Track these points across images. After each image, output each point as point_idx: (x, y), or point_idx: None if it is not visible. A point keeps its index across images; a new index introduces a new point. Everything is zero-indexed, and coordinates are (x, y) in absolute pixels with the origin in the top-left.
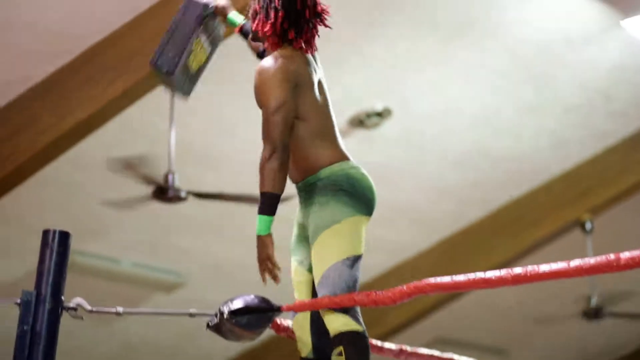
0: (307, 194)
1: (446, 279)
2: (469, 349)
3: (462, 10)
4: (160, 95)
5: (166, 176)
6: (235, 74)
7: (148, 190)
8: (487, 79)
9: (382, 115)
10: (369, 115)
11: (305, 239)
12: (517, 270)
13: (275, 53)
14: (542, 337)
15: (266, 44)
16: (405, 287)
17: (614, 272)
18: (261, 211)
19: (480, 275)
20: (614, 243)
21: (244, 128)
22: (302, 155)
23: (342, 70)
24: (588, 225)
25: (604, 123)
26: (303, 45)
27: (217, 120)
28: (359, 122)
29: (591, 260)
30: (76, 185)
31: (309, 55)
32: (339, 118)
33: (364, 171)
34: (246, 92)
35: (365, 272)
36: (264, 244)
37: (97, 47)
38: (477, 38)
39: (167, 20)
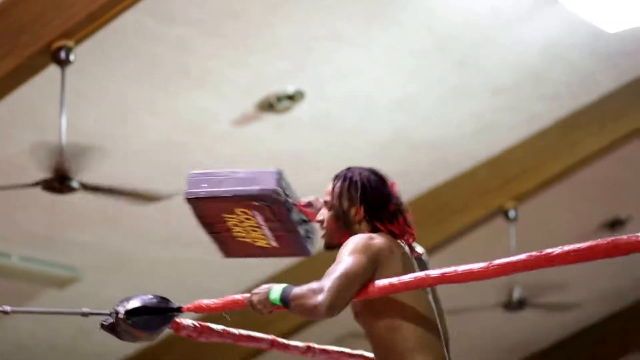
0: None
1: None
2: None
3: None
4: (51, 77)
5: (57, 165)
6: (133, 54)
7: (38, 179)
8: (409, 60)
9: (293, 98)
10: (279, 98)
11: None
12: (434, 273)
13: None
14: (456, 328)
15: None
16: None
17: (535, 269)
18: (284, 298)
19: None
20: (539, 232)
21: (141, 114)
22: None
23: (250, 50)
24: (512, 214)
25: (534, 106)
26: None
27: (112, 106)
28: (269, 105)
29: (513, 259)
30: None
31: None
32: (246, 101)
33: None
34: (145, 76)
35: (277, 264)
36: (267, 306)
37: None
38: (399, 17)
39: None
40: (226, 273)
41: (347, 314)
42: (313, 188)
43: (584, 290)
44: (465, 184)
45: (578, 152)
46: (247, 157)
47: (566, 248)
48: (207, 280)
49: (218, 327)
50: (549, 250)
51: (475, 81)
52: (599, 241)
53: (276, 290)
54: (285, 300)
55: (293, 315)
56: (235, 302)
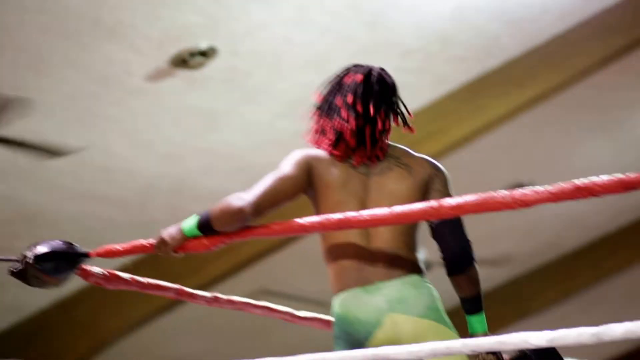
0: None
1: (261, 225)
2: (292, 300)
3: None
4: None
5: None
6: (47, 5)
7: None
8: (319, 19)
9: (206, 54)
10: (192, 54)
11: None
12: (340, 215)
13: None
14: None
15: None
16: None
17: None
18: (201, 221)
19: (298, 221)
20: None
21: (55, 66)
22: None
23: (163, 3)
24: None
25: (441, 69)
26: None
27: (26, 57)
28: (182, 61)
29: (415, 207)
30: None
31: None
32: (160, 56)
33: (351, 298)
34: (59, 27)
35: None
36: (178, 239)
37: None
38: None
39: None
40: (135, 231)
41: (256, 272)
42: (225, 143)
43: (485, 252)
44: None
45: (483, 117)
46: (160, 113)
47: (466, 198)
48: (118, 236)
49: (125, 275)
50: (448, 200)
51: (385, 42)
52: (497, 193)
53: (189, 220)
54: (204, 220)
55: (204, 270)
56: (144, 247)
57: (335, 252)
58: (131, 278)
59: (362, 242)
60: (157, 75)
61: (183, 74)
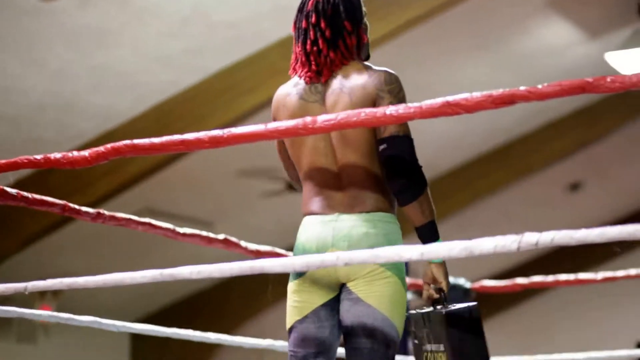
0: None
1: (143, 140)
2: (176, 220)
3: None
4: None
5: None
6: None
7: None
8: None
9: None
10: None
11: None
12: (215, 132)
13: None
14: (247, 211)
15: None
16: (102, 148)
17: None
18: None
19: (177, 137)
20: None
21: None
22: None
23: None
24: None
25: None
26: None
27: None
28: None
29: (288, 123)
30: None
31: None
32: None
33: (309, 225)
34: None
35: (74, 139)
36: None
37: None
38: None
39: None
40: (26, 148)
41: (140, 191)
42: (115, 61)
43: None
44: (257, 65)
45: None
46: (52, 32)
47: (338, 114)
48: (8, 153)
49: (12, 190)
50: (325, 116)
51: None
52: (371, 109)
53: None
54: None
55: (89, 190)
56: (29, 162)
57: (307, 178)
58: (17, 193)
59: (331, 166)
60: None
61: None
